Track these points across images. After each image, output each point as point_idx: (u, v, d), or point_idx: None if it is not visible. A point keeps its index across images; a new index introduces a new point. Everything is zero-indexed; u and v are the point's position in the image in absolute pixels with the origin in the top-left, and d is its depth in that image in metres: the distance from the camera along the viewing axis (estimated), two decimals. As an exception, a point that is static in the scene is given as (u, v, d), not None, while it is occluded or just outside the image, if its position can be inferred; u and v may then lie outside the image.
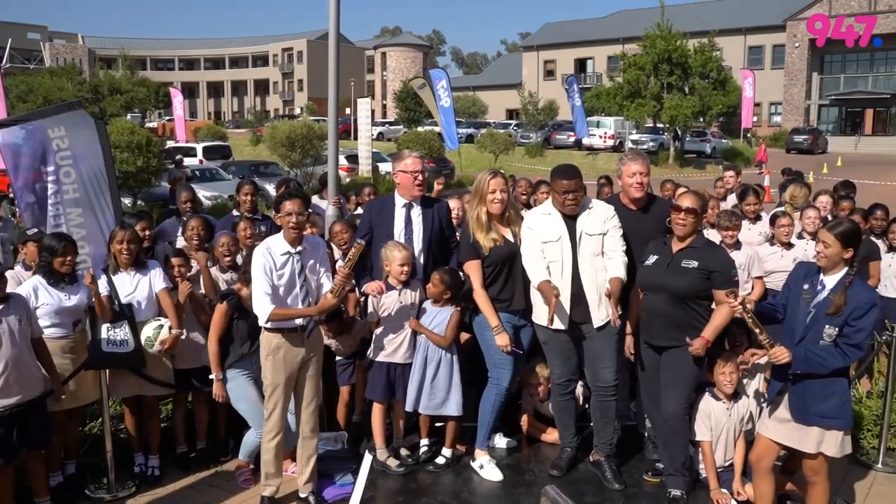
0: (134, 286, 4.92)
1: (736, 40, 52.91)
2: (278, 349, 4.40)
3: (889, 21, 48.49)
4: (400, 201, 5.14)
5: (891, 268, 6.36)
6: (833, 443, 3.90)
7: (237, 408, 4.91)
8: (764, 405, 4.25)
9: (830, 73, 53.34)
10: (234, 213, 6.72)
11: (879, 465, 5.27)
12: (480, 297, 4.72)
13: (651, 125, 38.39)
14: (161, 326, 4.86)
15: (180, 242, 6.04)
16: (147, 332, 4.83)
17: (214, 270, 5.40)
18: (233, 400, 4.88)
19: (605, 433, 4.80)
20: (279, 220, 4.39)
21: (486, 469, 4.85)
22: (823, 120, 52.72)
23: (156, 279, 4.98)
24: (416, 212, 5.14)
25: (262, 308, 4.26)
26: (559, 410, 4.93)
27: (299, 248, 4.40)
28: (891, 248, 6.41)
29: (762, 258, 5.97)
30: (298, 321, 4.41)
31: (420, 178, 5.07)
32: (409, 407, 4.98)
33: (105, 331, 4.74)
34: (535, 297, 4.71)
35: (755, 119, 45.14)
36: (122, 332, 4.79)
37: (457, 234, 5.38)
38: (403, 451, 5.10)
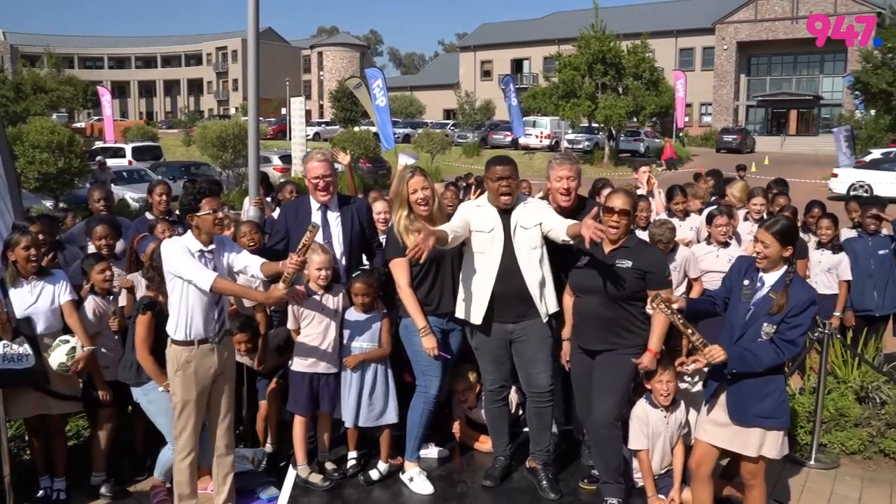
0: (35, 297, 4.53)
1: (667, 42, 54.01)
2: (188, 363, 4.08)
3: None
4: (315, 204, 4.90)
5: (821, 264, 6.40)
6: (773, 444, 3.83)
7: (155, 422, 4.58)
8: (702, 409, 4.15)
9: (757, 75, 55.09)
10: (148, 215, 6.36)
11: (812, 462, 5.27)
12: (407, 297, 4.51)
13: (586, 125, 38.86)
14: (73, 348, 4.48)
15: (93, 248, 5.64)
16: (59, 356, 4.43)
17: (138, 276, 5.04)
18: (151, 413, 4.56)
19: (542, 440, 4.65)
20: (196, 220, 4.03)
21: (416, 482, 4.65)
22: (751, 120, 54.35)
23: (61, 290, 4.60)
24: (334, 214, 4.90)
25: (205, 276, 3.92)
26: (492, 418, 4.76)
27: (211, 247, 4.10)
28: (820, 245, 6.45)
29: (698, 257, 5.93)
30: (205, 331, 4.10)
31: (322, 183, 4.82)
32: (349, 423, 4.75)
33: (0, 347, 4.35)
34: (459, 293, 4.55)
35: (687, 119, 46.19)
36: (22, 348, 4.40)
37: (379, 234, 5.17)
38: (329, 466, 4.85)
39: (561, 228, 4.25)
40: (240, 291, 4.30)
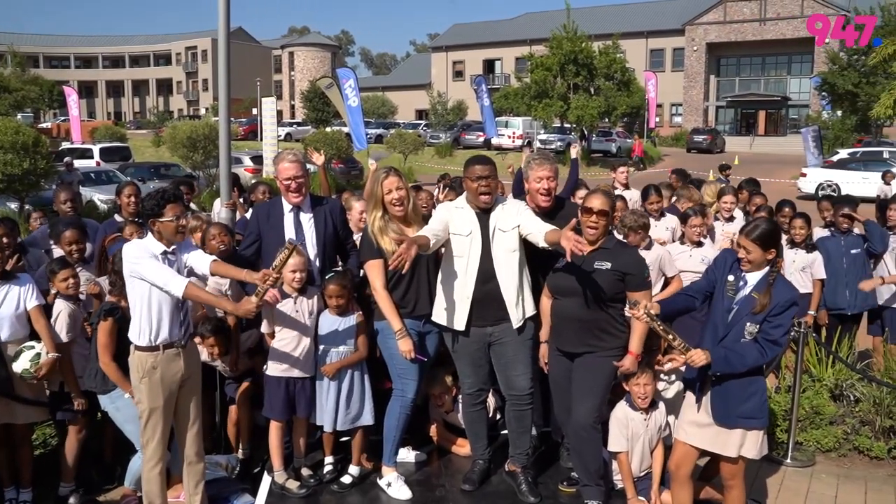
0: (-1, 301, 4.40)
1: (638, 43, 54.41)
2: (154, 369, 3.96)
3: (778, 28, 51.10)
4: (287, 205, 4.81)
5: (795, 263, 6.42)
6: (753, 444, 3.81)
7: (124, 429, 4.46)
8: (682, 410, 4.12)
9: (726, 76, 55.72)
10: (117, 217, 6.20)
11: (789, 460, 5.28)
12: (382, 299, 4.42)
13: (558, 125, 38.97)
14: (38, 354, 4.34)
15: (57, 251, 5.48)
16: (23, 363, 4.29)
17: (104, 281, 4.90)
18: (119, 421, 4.43)
19: (521, 443, 4.59)
20: (158, 226, 3.92)
21: (394, 487, 4.57)
22: (721, 121, 54.94)
23: (28, 295, 4.45)
24: (307, 216, 4.81)
25: (177, 283, 3.82)
26: (470, 421, 4.70)
27: (173, 248, 4.00)
28: (793, 244, 6.48)
29: (673, 256, 5.92)
30: (170, 335, 3.99)
31: (294, 184, 4.74)
32: (328, 428, 4.66)
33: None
34: (438, 297, 4.48)
35: (657, 119, 46.57)
36: (-16, 354, 4.26)
37: (354, 235, 5.09)
38: (305, 472, 4.75)
39: (539, 233, 4.20)
40: (211, 300, 4.19)
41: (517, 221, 4.34)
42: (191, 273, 4.13)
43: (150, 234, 4.00)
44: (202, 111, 65.57)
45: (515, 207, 4.42)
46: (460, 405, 5.08)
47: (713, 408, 3.81)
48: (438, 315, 4.48)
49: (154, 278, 3.86)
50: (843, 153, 26.47)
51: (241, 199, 7.62)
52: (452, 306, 4.37)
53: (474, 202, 4.36)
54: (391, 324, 4.39)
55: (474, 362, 4.48)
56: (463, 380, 4.61)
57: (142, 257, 3.87)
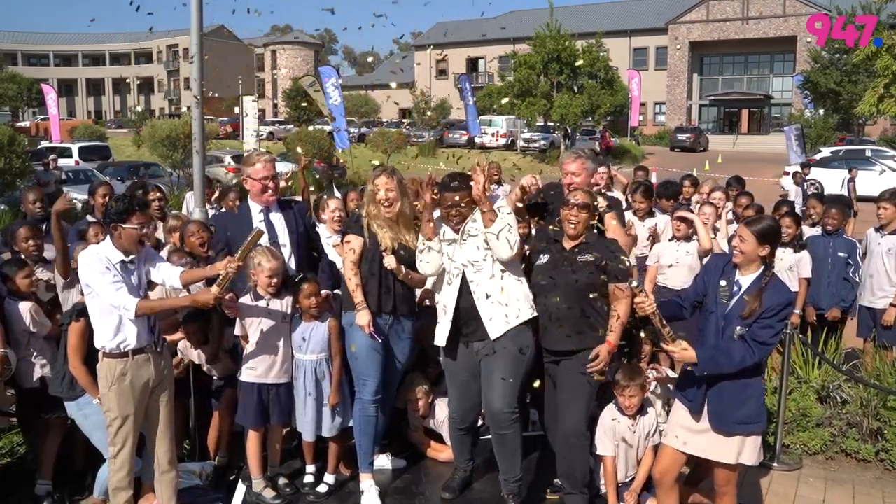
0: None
1: (621, 42, 54.50)
2: (123, 376, 3.81)
3: (760, 26, 51.36)
4: (256, 207, 4.65)
5: (782, 262, 6.34)
6: (752, 450, 3.70)
7: (91, 438, 4.33)
8: (672, 414, 4.00)
9: (709, 75, 55.96)
10: (89, 217, 6.03)
11: (776, 463, 5.20)
12: (349, 273, 4.26)
13: (542, 123, 38.95)
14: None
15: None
16: None
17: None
18: (87, 429, 4.31)
19: (510, 469, 4.23)
20: (120, 231, 3.76)
21: (367, 496, 4.39)
22: (704, 119, 55.19)
23: None
24: (277, 216, 4.65)
25: (127, 301, 3.67)
26: (455, 440, 4.53)
27: (132, 257, 3.86)
28: (782, 244, 6.40)
29: (661, 254, 6.01)
30: (138, 341, 3.84)
31: (272, 183, 4.59)
32: (309, 437, 4.52)
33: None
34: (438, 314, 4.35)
35: (641, 118, 46.69)
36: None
37: (333, 236, 4.96)
38: (282, 481, 4.60)
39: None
40: (165, 304, 4.10)
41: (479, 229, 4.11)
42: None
43: (109, 238, 3.85)
44: (183, 109, 65.11)
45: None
46: (436, 410, 4.97)
47: (710, 413, 3.69)
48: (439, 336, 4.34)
49: (106, 297, 3.72)
50: (826, 151, 26.52)
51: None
52: (441, 323, 4.26)
53: (447, 224, 4.22)
54: (353, 296, 4.22)
55: (462, 386, 4.31)
56: (449, 401, 4.47)
57: (95, 270, 3.72)
